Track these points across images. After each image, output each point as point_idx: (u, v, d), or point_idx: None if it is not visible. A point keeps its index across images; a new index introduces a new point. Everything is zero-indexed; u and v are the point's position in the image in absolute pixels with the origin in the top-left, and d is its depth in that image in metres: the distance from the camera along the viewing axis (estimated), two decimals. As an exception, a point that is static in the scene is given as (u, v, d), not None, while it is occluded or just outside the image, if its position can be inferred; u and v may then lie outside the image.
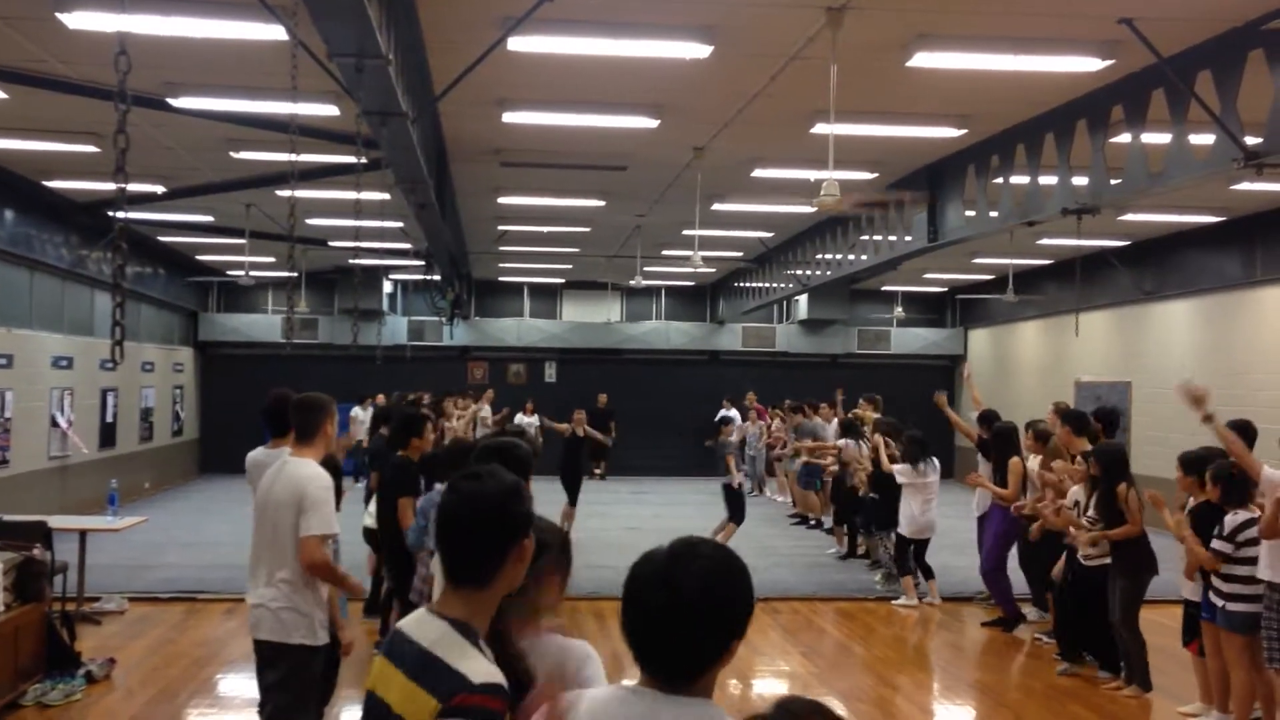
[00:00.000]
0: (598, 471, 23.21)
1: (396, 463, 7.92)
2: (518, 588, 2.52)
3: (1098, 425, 9.15)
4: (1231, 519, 6.79)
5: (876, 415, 13.84)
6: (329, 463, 5.72)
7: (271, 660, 4.98)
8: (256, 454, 6.29)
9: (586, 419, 14.69)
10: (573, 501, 14.04)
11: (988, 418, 10.79)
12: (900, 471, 10.92)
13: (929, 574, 11.06)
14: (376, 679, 2.44)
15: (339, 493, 6.22)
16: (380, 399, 17.81)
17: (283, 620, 4.93)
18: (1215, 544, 6.82)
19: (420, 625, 2.42)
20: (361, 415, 19.93)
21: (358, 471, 16.70)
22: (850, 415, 14.33)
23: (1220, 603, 6.85)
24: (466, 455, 5.32)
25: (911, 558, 11.07)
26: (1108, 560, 8.18)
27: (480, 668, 2.28)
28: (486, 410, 18.68)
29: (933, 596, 11.01)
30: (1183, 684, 8.01)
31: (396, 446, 8.11)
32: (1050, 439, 9.59)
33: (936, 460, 11.08)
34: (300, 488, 4.92)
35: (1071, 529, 8.40)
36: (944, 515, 11.67)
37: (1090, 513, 8.19)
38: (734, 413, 22.38)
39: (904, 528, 10.93)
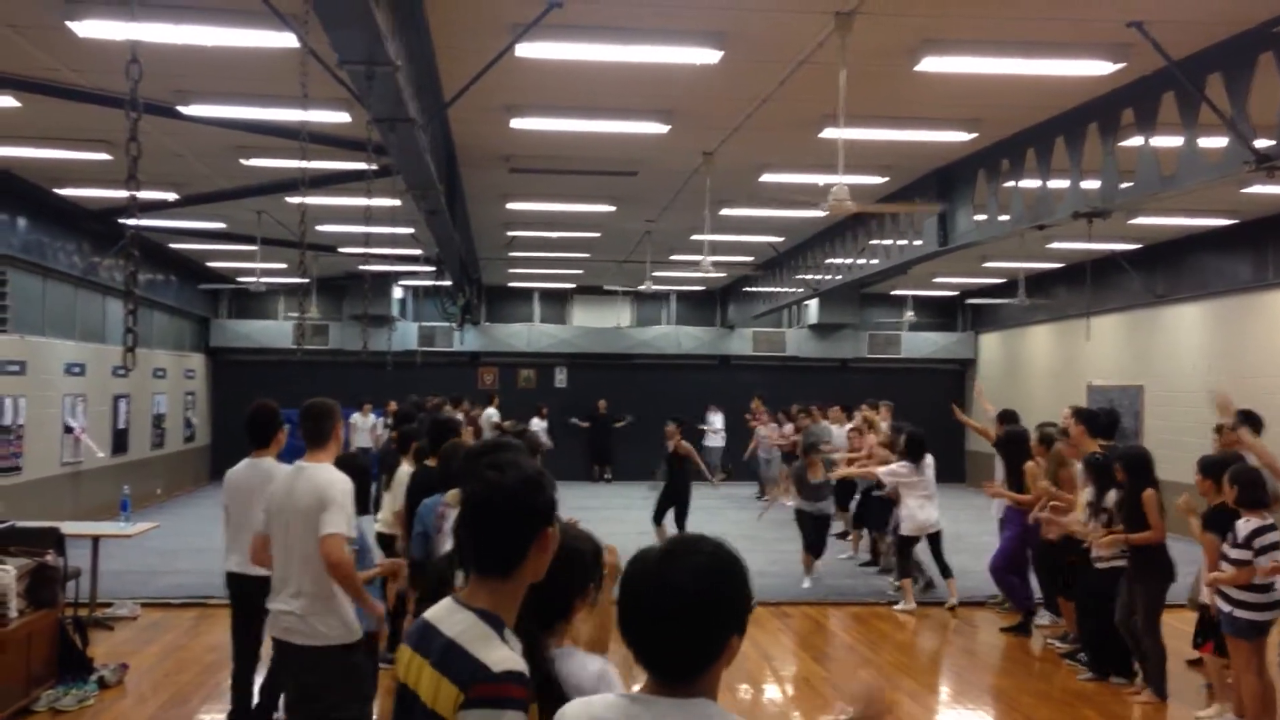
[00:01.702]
0: (606, 476, 23.29)
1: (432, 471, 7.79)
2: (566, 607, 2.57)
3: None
4: (1244, 525, 6.74)
5: (888, 420, 13.83)
6: (352, 463, 5.80)
7: (311, 664, 4.99)
8: (240, 468, 6.36)
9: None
10: (679, 523, 12.66)
11: (1007, 417, 10.77)
12: (894, 471, 10.92)
13: (947, 573, 11.01)
14: (406, 670, 2.47)
15: (366, 494, 6.26)
16: (393, 405, 17.83)
17: (316, 626, 4.96)
18: (1233, 553, 6.72)
19: (449, 616, 2.44)
20: (361, 422, 19.97)
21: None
22: (864, 419, 14.31)
23: (1228, 609, 6.81)
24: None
25: (913, 558, 11.06)
26: (1118, 563, 8.15)
27: (501, 656, 2.30)
28: (494, 412, 18.71)
29: (951, 597, 10.96)
30: (1198, 689, 7.99)
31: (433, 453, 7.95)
32: (1054, 444, 9.55)
33: (930, 457, 11.08)
34: (322, 492, 4.94)
35: (1086, 534, 8.37)
36: (957, 519, 11.68)
37: (1105, 517, 8.16)
38: (718, 417, 22.23)
39: (904, 527, 10.92)
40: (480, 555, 2.44)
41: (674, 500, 12.86)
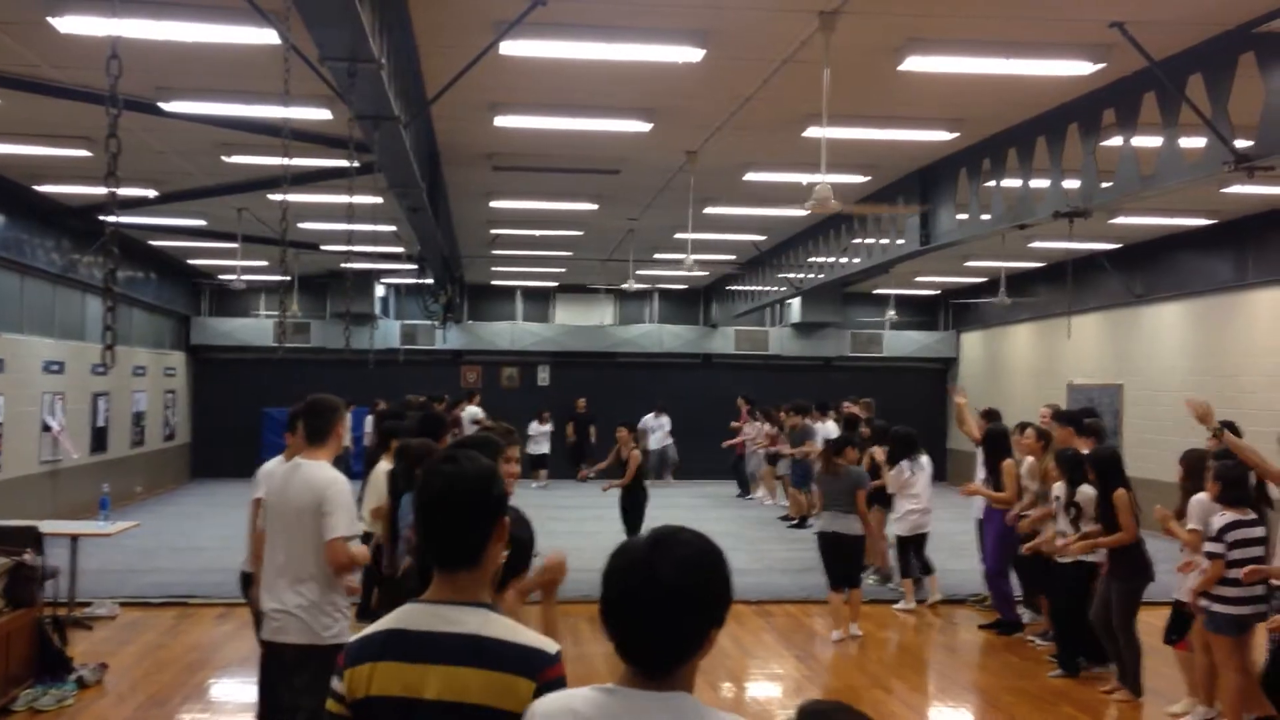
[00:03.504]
0: (590, 474, 23.20)
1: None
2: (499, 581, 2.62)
3: (1090, 425, 9.19)
4: (1218, 519, 6.79)
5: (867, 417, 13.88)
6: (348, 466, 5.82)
7: (301, 662, 4.96)
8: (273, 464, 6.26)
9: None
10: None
11: (990, 415, 10.79)
12: (893, 478, 10.92)
13: (928, 569, 11.04)
14: (402, 682, 2.42)
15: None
16: (381, 404, 17.80)
17: (310, 623, 4.95)
18: (1207, 546, 6.81)
19: (433, 616, 2.44)
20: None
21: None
22: (847, 415, 14.34)
23: (1205, 603, 6.86)
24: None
25: (912, 557, 11.06)
26: (1090, 559, 8.20)
27: (543, 639, 2.46)
28: (476, 410, 18.67)
29: (933, 593, 10.99)
30: (1174, 684, 8.03)
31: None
32: (1051, 439, 9.58)
33: (926, 458, 11.11)
34: (320, 491, 4.93)
35: (1058, 539, 8.42)
36: (939, 518, 11.70)
37: (1073, 514, 8.22)
38: (664, 419, 22.13)
39: (900, 527, 10.93)
40: (444, 548, 2.47)
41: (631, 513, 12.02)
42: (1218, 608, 6.78)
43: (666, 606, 2.04)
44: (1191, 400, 7.30)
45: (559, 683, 2.35)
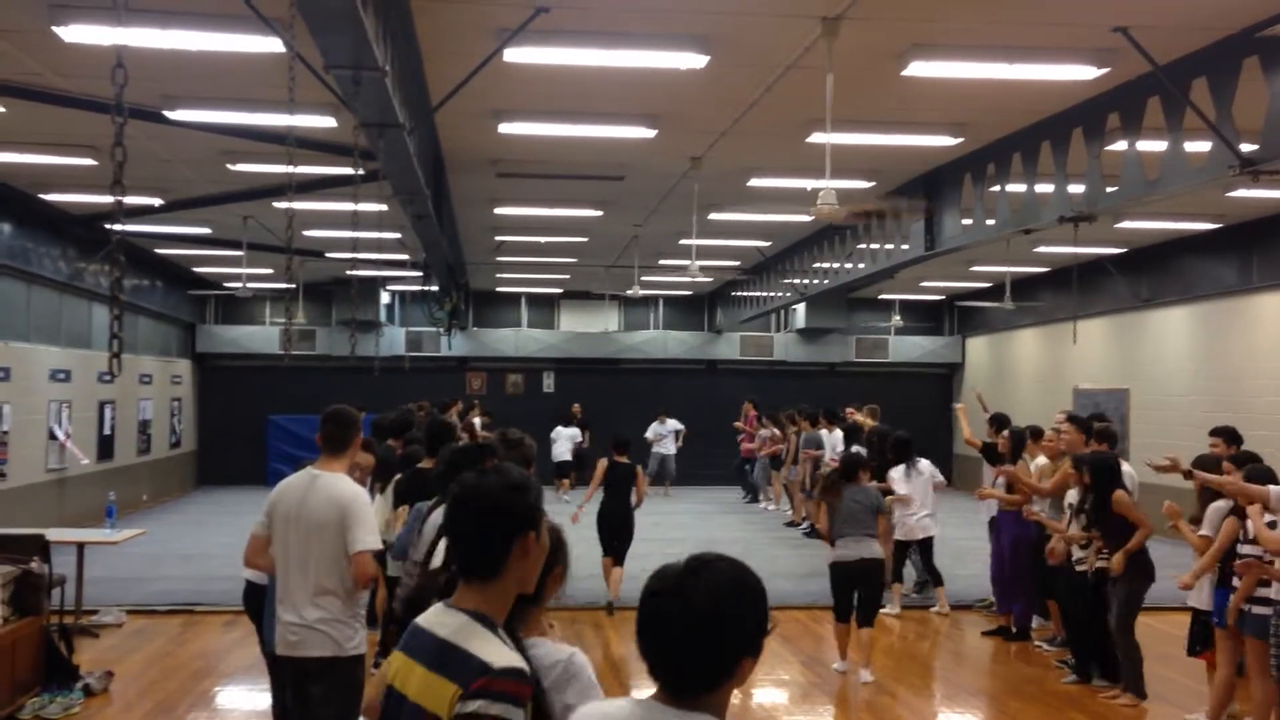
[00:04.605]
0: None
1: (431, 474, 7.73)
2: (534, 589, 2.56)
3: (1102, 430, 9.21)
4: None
5: (874, 424, 13.85)
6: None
7: (320, 674, 4.96)
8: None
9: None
10: (610, 555, 10.85)
11: (1000, 420, 10.75)
12: (897, 479, 10.88)
13: (938, 580, 11.01)
14: (395, 674, 2.48)
15: None
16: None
17: (333, 635, 4.95)
18: (1245, 549, 6.74)
19: (439, 619, 2.46)
20: None
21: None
22: (850, 422, 14.33)
23: (1246, 607, 6.80)
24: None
25: (920, 565, 11.00)
26: (1099, 565, 8.18)
27: (501, 653, 2.32)
28: (477, 421, 18.63)
29: (941, 605, 10.96)
30: (1185, 692, 8.01)
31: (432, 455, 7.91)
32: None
33: (926, 462, 11.07)
34: (342, 505, 4.93)
35: (1072, 544, 8.40)
36: (944, 523, 11.66)
37: (1083, 519, 8.19)
38: (668, 425, 21.91)
39: (898, 532, 10.88)
40: (461, 557, 2.47)
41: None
42: (1258, 609, 6.70)
43: (698, 633, 2.04)
44: (1164, 459, 7.26)
45: (491, 695, 2.24)
